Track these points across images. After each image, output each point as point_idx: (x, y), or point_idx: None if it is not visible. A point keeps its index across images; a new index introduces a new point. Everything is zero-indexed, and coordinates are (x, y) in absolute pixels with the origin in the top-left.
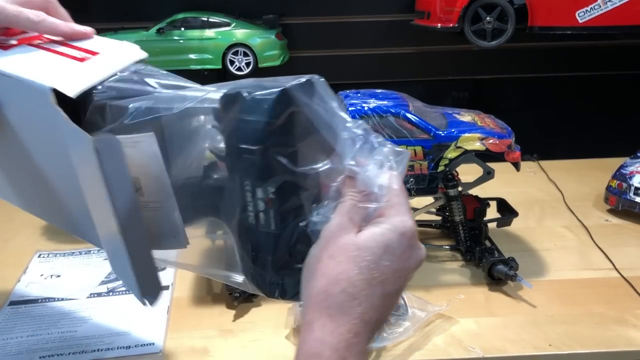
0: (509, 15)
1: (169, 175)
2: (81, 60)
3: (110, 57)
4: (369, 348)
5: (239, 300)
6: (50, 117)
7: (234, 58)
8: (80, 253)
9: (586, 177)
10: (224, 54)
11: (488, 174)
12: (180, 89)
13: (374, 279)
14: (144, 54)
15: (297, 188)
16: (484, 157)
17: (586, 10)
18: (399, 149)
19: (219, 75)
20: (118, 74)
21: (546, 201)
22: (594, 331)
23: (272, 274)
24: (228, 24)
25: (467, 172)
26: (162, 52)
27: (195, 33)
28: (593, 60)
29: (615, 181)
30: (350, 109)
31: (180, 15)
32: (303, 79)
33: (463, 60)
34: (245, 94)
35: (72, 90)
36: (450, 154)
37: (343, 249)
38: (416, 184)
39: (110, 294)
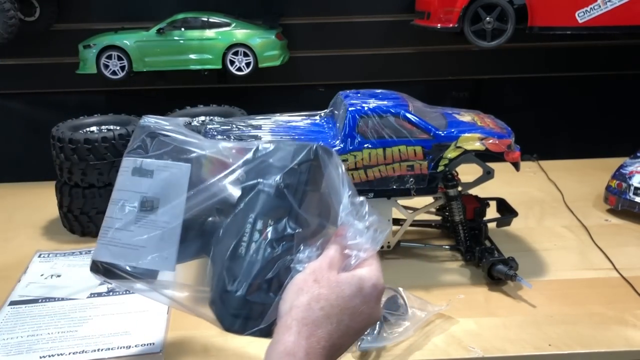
0: (509, 15)
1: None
2: None
3: None
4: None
5: None
6: None
7: (234, 58)
8: (81, 253)
9: (586, 177)
10: (224, 54)
11: (488, 174)
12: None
13: (346, 310)
14: None
15: (294, 228)
16: (484, 157)
17: (586, 10)
18: (384, 222)
19: (219, 75)
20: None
21: (546, 201)
22: (593, 331)
23: (241, 303)
24: (228, 24)
25: (467, 172)
26: (162, 53)
27: (196, 33)
28: (593, 60)
29: (615, 181)
30: (350, 109)
31: (181, 16)
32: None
33: (463, 60)
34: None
35: None
36: (450, 154)
37: (326, 279)
38: (416, 184)
39: (111, 294)
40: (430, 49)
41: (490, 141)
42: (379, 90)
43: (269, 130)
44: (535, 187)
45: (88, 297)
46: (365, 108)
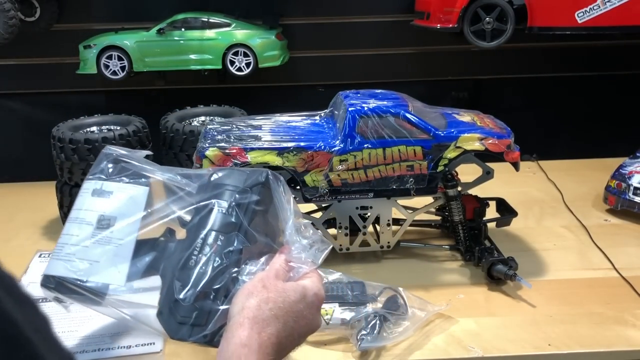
0: (509, 15)
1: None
2: None
3: None
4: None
5: None
6: None
7: (234, 58)
8: None
9: (585, 177)
10: (224, 54)
11: (487, 174)
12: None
13: (292, 313)
14: None
15: (242, 242)
16: (484, 157)
17: (585, 10)
18: (325, 241)
19: (219, 75)
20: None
21: (545, 201)
22: (593, 331)
23: (188, 310)
24: (228, 25)
25: (467, 172)
26: (162, 53)
27: (196, 33)
28: (592, 61)
29: (614, 181)
30: (350, 109)
31: (181, 16)
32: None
33: (463, 60)
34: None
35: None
36: (450, 154)
37: (274, 285)
38: (416, 184)
39: None
40: (430, 49)
41: (490, 141)
42: (378, 91)
43: (269, 131)
44: (535, 187)
45: None
46: (365, 108)
